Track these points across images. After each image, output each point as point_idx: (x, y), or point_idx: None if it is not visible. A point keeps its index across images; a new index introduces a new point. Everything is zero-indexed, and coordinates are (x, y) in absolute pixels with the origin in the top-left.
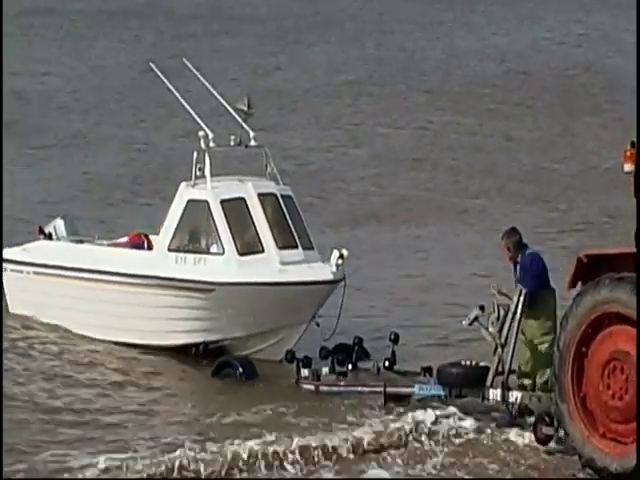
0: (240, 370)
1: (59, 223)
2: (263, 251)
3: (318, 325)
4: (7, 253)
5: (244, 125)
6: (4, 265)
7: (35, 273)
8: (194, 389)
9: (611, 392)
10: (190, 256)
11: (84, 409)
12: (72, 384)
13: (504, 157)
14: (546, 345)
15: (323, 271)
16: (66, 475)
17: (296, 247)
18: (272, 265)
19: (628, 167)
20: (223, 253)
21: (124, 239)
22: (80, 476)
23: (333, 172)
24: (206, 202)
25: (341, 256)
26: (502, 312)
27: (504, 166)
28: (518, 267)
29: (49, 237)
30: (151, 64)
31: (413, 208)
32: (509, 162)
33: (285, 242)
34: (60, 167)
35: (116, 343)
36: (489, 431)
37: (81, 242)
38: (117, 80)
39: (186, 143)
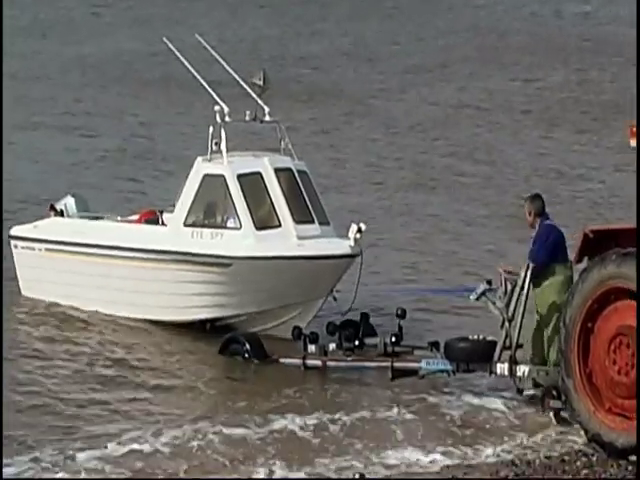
0: (247, 347)
1: (70, 201)
2: (280, 225)
3: (335, 300)
4: (18, 230)
5: (259, 100)
6: (15, 242)
7: (47, 250)
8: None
9: (617, 367)
10: (207, 231)
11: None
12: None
13: None
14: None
15: (341, 245)
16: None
17: (312, 222)
18: (290, 239)
19: (634, 142)
20: (240, 227)
21: (135, 216)
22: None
23: None
24: (223, 177)
25: (359, 230)
26: (509, 286)
27: None
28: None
29: (60, 214)
30: (165, 39)
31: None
32: None
33: (302, 217)
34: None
35: (130, 319)
36: None
37: (95, 218)
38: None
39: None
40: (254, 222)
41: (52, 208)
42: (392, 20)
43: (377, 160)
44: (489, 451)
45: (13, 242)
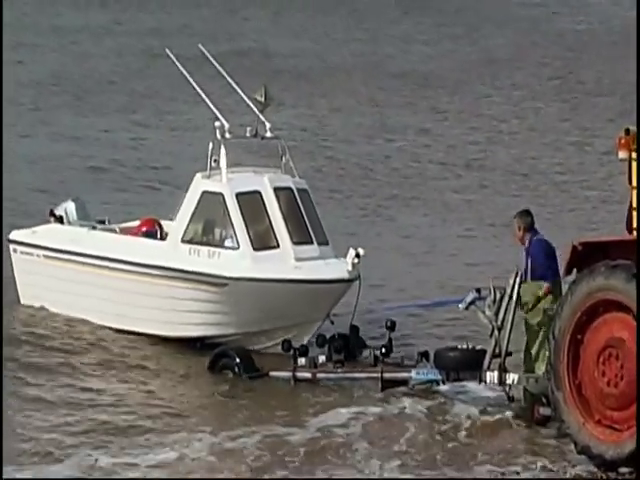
0: (237, 361)
1: (70, 206)
2: (278, 246)
3: (333, 323)
4: (16, 235)
5: (260, 116)
6: (14, 247)
7: (45, 257)
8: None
9: (606, 379)
10: (204, 249)
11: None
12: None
13: None
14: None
15: (339, 269)
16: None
17: (311, 243)
18: (287, 261)
19: (622, 154)
20: (238, 247)
21: (136, 223)
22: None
23: None
24: (221, 195)
25: (357, 255)
26: (498, 295)
27: None
28: (526, 253)
29: (60, 220)
30: (167, 50)
31: None
32: None
33: (300, 237)
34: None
35: (127, 332)
36: None
37: (93, 227)
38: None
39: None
40: (252, 242)
41: (52, 214)
42: None
43: None
44: (488, 466)
45: (12, 246)
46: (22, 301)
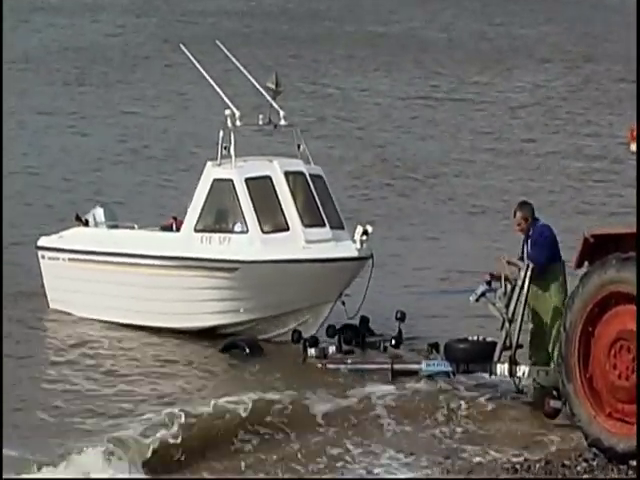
0: (247, 351)
1: (99, 212)
2: (288, 229)
3: (344, 304)
4: (44, 241)
5: (273, 104)
6: (42, 253)
7: (70, 260)
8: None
9: (617, 372)
10: (215, 236)
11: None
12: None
13: None
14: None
15: (348, 248)
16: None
17: (323, 225)
18: (297, 243)
19: (634, 147)
20: (247, 232)
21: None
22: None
23: None
24: (231, 181)
25: (365, 232)
26: (509, 287)
27: None
28: (529, 240)
29: (85, 224)
30: (181, 45)
31: None
32: None
33: (312, 220)
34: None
35: (141, 328)
36: None
37: (115, 227)
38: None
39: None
40: (261, 226)
41: (77, 218)
42: None
43: None
44: (489, 456)
45: (40, 253)
46: (51, 306)
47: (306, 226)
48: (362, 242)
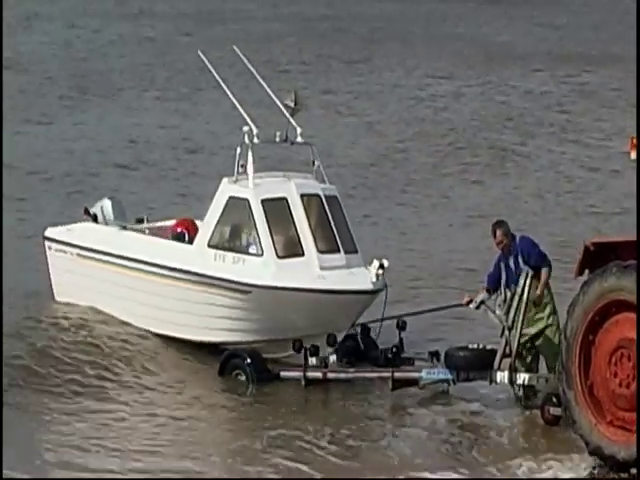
0: (248, 361)
1: (106, 204)
2: (303, 254)
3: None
4: (51, 232)
5: (291, 120)
6: (49, 244)
7: (78, 255)
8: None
9: (618, 380)
10: (229, 254)
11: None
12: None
13: None
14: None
15: (363, 279)
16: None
17: (338, 251)
18: (311, 270)
19: (634, 155)
20: (262, 255)
21: (172, 222)
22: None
23: None
24: (247, 200)
25: (381, 266)
26: (509, 295)
27: None
28: (516, 254)
29: (94, 218)
30: (200, 53)
31: None
32: None
33: (326, 246)
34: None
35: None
36: None
37: (124, 227)
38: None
39: None
40: (276, 250)
41: (86, 211)
42: None
43: None
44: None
45: (47, 244)
46: (56, 298)
47: (321, 252)
48: (377, 276)
